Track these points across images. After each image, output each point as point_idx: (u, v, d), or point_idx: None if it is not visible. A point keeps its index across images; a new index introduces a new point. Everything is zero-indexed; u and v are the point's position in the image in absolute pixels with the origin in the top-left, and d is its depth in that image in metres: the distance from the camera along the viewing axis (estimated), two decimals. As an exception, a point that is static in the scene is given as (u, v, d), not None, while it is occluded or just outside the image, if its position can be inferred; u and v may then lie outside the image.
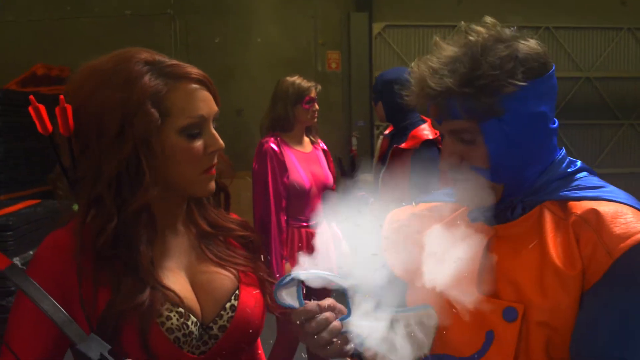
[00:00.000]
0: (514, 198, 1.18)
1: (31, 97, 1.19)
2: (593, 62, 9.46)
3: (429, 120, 3.23)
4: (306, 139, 3.53)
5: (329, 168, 3.54)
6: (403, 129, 3.18)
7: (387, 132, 3.44)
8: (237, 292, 1.28)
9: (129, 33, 8.14)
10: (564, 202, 1.15)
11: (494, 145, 1.13)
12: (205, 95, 1.21)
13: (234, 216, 1.41)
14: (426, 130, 3.12)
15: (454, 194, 1.25)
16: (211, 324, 1.23)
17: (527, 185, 1.18)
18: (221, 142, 1.21)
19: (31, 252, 3.51)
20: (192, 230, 1.30)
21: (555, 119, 1.20)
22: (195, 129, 1.18)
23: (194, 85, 1.19)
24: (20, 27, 8.51)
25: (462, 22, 1.21)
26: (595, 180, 1.19)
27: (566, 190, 1.16)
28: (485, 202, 1.19)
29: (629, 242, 1.03)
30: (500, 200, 1.20)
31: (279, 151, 3.33)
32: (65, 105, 1.14)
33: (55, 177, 1.22)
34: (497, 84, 1.10)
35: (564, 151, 1.24)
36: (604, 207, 1.10)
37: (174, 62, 1.20)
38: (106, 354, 0.98)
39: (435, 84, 1.12)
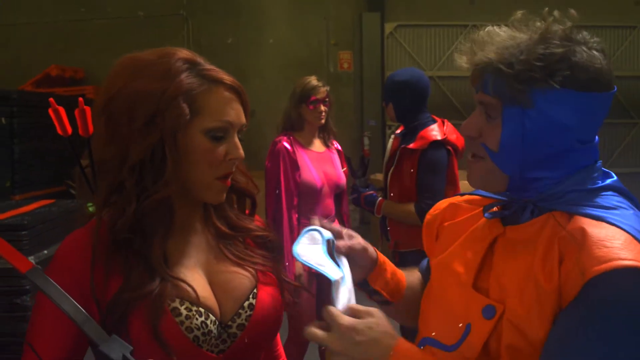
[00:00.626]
0: (526, 199, 1.18)
1: (51, 99, 1.21)
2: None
3: (439, 120, 3.23)
4: (319, 139, 3.54)
5: (342, 168, 3.54)
6: (413, 129, 3.19)
7: (398, 131, 3.44)
8: (255, 290, 1.28)
9: (141, 34, 8.19)
10: (571, 215, 1.10)
11: (508, 131, 1.12)
12: (236, 104, 1.23)
13: (256, 218, 1.43)
14: (435, 131, 3.13)
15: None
16: (230, 323, 1.24)
17: (533, 188, 1.16)
18: (242, 152, 1.23)
19: (46, 252, 3.54)
20: (211, 230, 1.32)
21: (595, 136, 1.16)
22: (219, 133, 1.20)
23: (227, 93, 1.22)
24: (34, 29, 8.59)
25: (546, 10, 1.16)
26: (615, 201, 1.13)
27: (578, 205, 1.11)
28: (488, 185, 1.20)
29: (605, 266, 0.97)
30: (510, 199, 1.22)
31: (291, 150, 3.35)
32: (85, 107, 1.16)
33: (75, 178, 1.25)
34: (534, 75, 1.08)
35: (600, 164, 1.18)
36: (598, 229, 1.04)
37: (213, 67, 1.23)
38: (128, 355, 0.98)
39: (480, 52, 1.13)
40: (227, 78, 1.22)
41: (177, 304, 1.16)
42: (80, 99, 1.18)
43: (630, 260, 0.98)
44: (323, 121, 3.43)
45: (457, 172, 3.22)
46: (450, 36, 9.22)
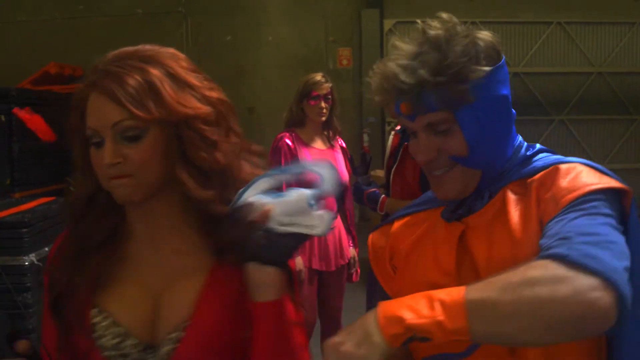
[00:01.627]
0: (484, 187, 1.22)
1: (27, 108, 1.24)
2: (605, 57, 9.43)
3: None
4: (323, 136, 3.53)
5: (346, 166, 3.54)
6: None
7: (397, 128, 3.43)
8: (188, 322, 1.14)
9: (140, 32, 8.19)
10: (524, 182, 1.17)
11: (469, 131, 1.15)
12: (103, 105, 1.08)
13: None
14: None
15: (434, 190, 1.25)
16: (160, 345, 1.13)
17: (500, 171, 1.21)
18: (106, 159, 1.07)
19: (47, 249, 3.54)
20: (172, 245, 1.19)
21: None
22: (96, 140, 1.10)
23: (94, 94, 1.09)
24: (33, 27, 8.59)
25: (418, 21, 1.21)
26: (554, 157, 1.22)
27: (525, 169, 1.20)
28: (467, 188, 1.21)
29: (576, 193, 1.06)
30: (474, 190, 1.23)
31: (293, 146, 3.34)
32: (33, 115, 1.18)
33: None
34: (466, 70, 1.12)
35: (521, 137, 1.27)
36: (561, 166, 1.15)
37: (93, 67, 1.12)
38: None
39: (408, 78, 1.13)
40: (89, 74, 1.11)
41: (98, 318, 1.12)
42: (27, 107, 1.20)
43: (596, 184, 1.08)
44: (324, 118, 3.41)
45: None
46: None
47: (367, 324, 0.97)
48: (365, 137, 8.91)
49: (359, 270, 3.62)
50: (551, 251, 0.95)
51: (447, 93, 1.12)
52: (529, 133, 5.23)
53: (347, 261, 3.51)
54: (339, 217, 3.49)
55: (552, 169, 1.15)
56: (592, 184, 1.08)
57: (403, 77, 1.13)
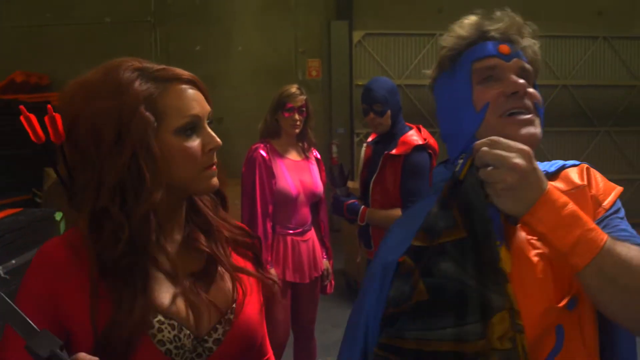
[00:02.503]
0: None
1: (21, 107, 1.18)
2: (570, 70, 9.60)
3: (414, 126, 3.25)
4: (298, 147, 3.53)
5: (320, 177, 3.54)
6: (390, 136, 3.20)
7: (370, 139, 3.45)
8: (234, 305, 1.26)
9: (109, 40, 8.11)
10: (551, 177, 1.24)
11: (538, 91, 1.26)
12: (197, 94, 1.21)
13: (240, 225, 1.40)
14: (415, 136, 3.15)
15: (521, 132, 1.19)
16: (206, 337, 1.20)
17: None
18: (218, 140, 1.22)
19: (14, 261, 3.47)
20: (190, 239, 1.29)
21: None
22: (190, 128, 1.19)
23: (185, 86, 1.20)
24: (-1, 34, 8.45)
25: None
26: (557, 161, 1.32)
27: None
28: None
29: (612, 198, 1.20)
30: None
31: (267, 157, 3.34)
32: (54, 114, 1.14)
33: (51, 187, 1.22)
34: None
35: None
36: (575, 173, 1.25)
37: (163, 66, 1.21)
38: (57, 351, 0.93)
39: (522, 32, 1.30)
40: (180, 72, 1.20)
41: (150, 317, 1.13)
42: (49, 105, 1.17)
43: (615, 188, 1.23)
44: (297, 130, 3.41)
45: None
46: (418, 45, 9.31)
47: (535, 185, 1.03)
48: (334, 149, 8.93)
49: (332, 282, 3.62)
50: None
51: (537, 54, 1.29)
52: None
53: (320, 273, 3.50)
54: (312, 229, 3.49)
55: (586, 170, 1.25)
56: (613, 188, 1.22)
57: (519, 28, 1.29)
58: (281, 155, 3.42)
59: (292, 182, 3.35)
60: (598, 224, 1.09)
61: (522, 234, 1.15)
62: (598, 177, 1.24)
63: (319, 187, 3.49)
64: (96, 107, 1.13)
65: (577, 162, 1.27)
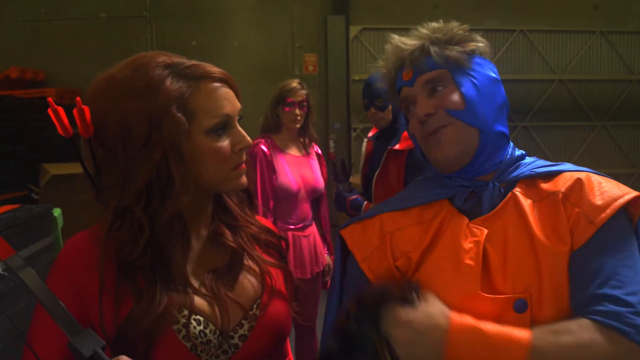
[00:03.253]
0: (485, 177, 1.25)
1: (50, 99, 1.15)
2: (566, 64, 9.60)
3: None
4: (299, 143, 3.52)
5: (321, 173, 3.53)
6: (393, 131, 3.18)
7: (370, 134, 3.43)
8: (259, 301, 1.24)
9: (104, 36, 8.08)
10: (532, 183, 1.21)
11: (467, 88, 1.23)
12: (228, 92, 1.19)
13: (259, 219, 1.38)
14: None
15: (434, 155, 1.27)
16: (231, 333, 1.18)
17: (496, 147, 1.25)
18: (248, 139, 1.19)
19: (10, 258, 3.45)
20: (216, 234, 1.27)
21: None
22: (221, 128, 1.16)
23: (216, 84, 1.17)
24: (-7, 30, 8.41)
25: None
26: (543, 161, 1.28)
27: (530, 169, 1.24)
28: (464, 145, 1.23)
29: (609, 211, 1.11)
30: (474, 171, 1.26)
31: (268, 153, 3.32)
32: (83, 106, 1.12)
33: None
34: (465, 38, 1.28)
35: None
36: (580, 177, 1.19)
37: (193, 62, 1.18)
38: (99, 351, 0.93)
39: (411, 40, 1.28)
40: (211, 70, 1.17)
41: (174, 311, 1.12)
42: (78, 97, 1.14)
43: (621, 197, 1.13)
44: (298, 125, 3.39)
45: None
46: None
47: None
48: (331, 144, 8.86)
49: (334, 278, 3.61)
50: (614, 322, 1.01)
51: (445, 52, 1.25)
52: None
53: (322, 268, 3.49)
54: (313, 224, 3.48)
55: (576, 181, 1.18)
56: (617, 197, 1.13)
57: (406, 40, 1.28)
58: (282, 150, 3.41)
59: (292, 177, 3.34)
60: (585, 245, 1.10)
61: (465, 221, 1.20)
62: (597, 190, 1.16)
63: (320, 182, 3.48)
64: (125, 107, 1.10)
65: (583, 169, 1.23)
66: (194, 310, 1.14)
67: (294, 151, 3.46)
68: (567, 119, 9.51)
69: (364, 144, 3.45)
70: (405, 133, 3.12)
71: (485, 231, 1.17)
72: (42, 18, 8.47)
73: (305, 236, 3.40)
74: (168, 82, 1.11)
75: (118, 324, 1.07)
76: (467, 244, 1.16)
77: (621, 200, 1.12)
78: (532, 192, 1.20)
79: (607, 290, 1.04)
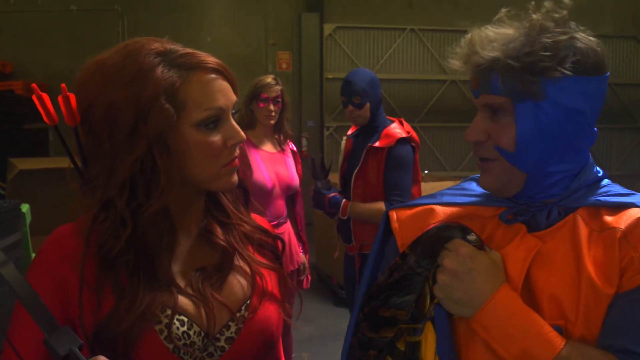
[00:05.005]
0: (547, 201, 1.15)
1: (34, 85, 1.11)
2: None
3: (395, 120, 3.23)
4: (274, 139, 3.49)
5: (296, 170, 3.51)
6: (372, 129, 3.18)
7: (350, 132, 3.43)
8: (248, 302, 1.18)
9: (75, 29, 7.96)
10: (596, 211, 1.11)
11: (524, 128, 1.09)
12: (223, 84, 1.12)
13: (255, 218, 1.32)
14: (398, 129, 3.13)
15: (480, 178, 1.19)
16: (218, 335, 1.13)
17: (550, 185, 1.14)
18: (242, 134, 1.13)
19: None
20: (206, 231, 1.21)
21: (595, 128, 1.16)
22: (213, 122, 1.10)
23: (211, 75, 1.10)
24: (-40, 20, 8.23)
25: (532, 2, 1.15)
26: (620, 189, 1.17)
27: (598, 197, 1.13)
28: (506, 187, 1.14)
29: None
30: (528, 199, 1.16)
31: (242, 148, 3.30)
32: (68, 94, 1.08)
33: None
34: (544, 65, 1.05)
35: (591, 157, 1.20)
36: None
37: (188, 50, 1.11)
38: (75, 350, 0.90)
39: (485, 51, 1.08)
40: (205, 59, 1.11)
41: (157, 311, 1.07)
42: (63, 84, 1.10)
43: None
44: (272, 121, 3.36)
45: (419, 169, 3.24)
46: (388, 39, 9.33)
47: (484, 286, 1.04)
48: (304, 142, 8.91)
49: (309, 277, 3.59)
50: None
51: (514, 79, 1.06)
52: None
53: (297, 267, 3.47)
54: (288, 222, 3.45)
55: (639, 221, 1.08)
56: None
57: (480, 49, 1.09)
58: (256, 146, 3.38)
59: (267, 174, 3.31)
60: (632, 291, 1.02)
61: (522, 229, 1.14)
62: None
63: (295, 179, 3.45)
64: (113, 94, 1.05)
65: None
66: (177, 310, 1.09)
67: (268, 147, 3.43)
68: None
69: (343, 142, 3.44)
70: (386, 131, 3.12)
71: (540, 244, 1.10)
72: (11, 9, 8.31)
73: (279, 234, 3.37)
74: (158, 70, 1.06)
75: (98, 321, 1.04)
76: (517, 253, 1.11)
77: None
78: (593, 221, 1.10)
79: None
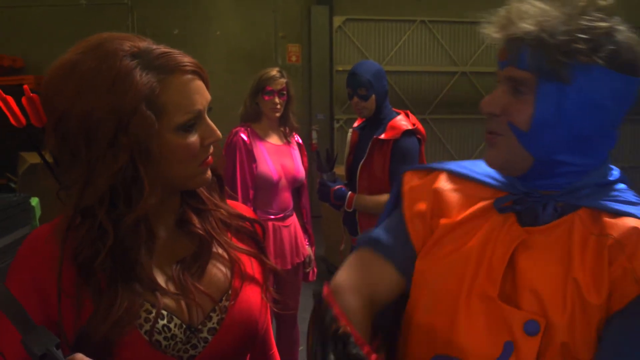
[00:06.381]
0: (547, 193, 1.11)
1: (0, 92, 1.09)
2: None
3: (401, 112, 3.22)
4: (279, 132, 3.49)
5: (302, 162, 3.50)
6: (378, 121, 3.17)
7: (356, 124, 3.41)
8: (229, 292, 1.18)
9: (83, 23, 7.96)
10: (597, 214, 1.06)
11: (543, 109, 1.04)
12: (199, 85, 1.10)
13: (231, 205, 1.31)
14: (403, 121, 3.12)
15: (486, 145, 1.15)
16: (200, 326, 1.12)
17: (556, 174, 1.10)
18: (218, 132, 1.13)
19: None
20: (183, 221, 1.20)
21: (616, 130, 1.11)
22: (191, 124, 1.09)
23: (188, 76, 1.08)
24: (-30, 16, 8.26)
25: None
26: (631, 196, 1.10)
27: (604, 200, 1.07)
28: (510, 166, 1.11)
29: None
30: (525, 193, 1.13)
31: (248, 141, 3.29)
32: (32, 95, 1.07)
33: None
34: (577, 47, 1.00)
35: (607, 157, 1.14)
36: None
37: (162, 49, 1.08)
38: (52, 349, 0.89)
39: (519, 23, 1.03)
40: (182, 61, 1.08)
41: (138, 312, 1.06)
42: (25, 86, 1.08)
43: None
44: (277, 114, 3.36)
45: (425, 161, 3.22)
46: (398, 31, 9.28)
47: None
48: (314, 134, 8.89)
49: (315, 270, 3.59)
50: None
51: (543, 57, 1.01)
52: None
53: (302, 259, 3.47)
54: (294, 215, 3.45)
55: (635, 231, 1.01)
56: None
57: (517, 19, 1.04)
58: (262, 139, 3.37)
59: (273, 166, 3.31)
60: (626, 309, 0.97)
61: (511, 218, 1.11)
62: None
63: (301, 172, 3.45)
64: (89, 103, 1.01)
65: None
66: (156, 303, 1.08)
67: (274, 140, 3.43)
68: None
69: (349, 134, 3.43)
70: (392, 123, 3.11)
71: (524, 233, 1.08)
72: (20, 4, 8.32)
73: (285, 226, 3.37)
74: (137, 75, 1.02)
75: (78, 327, 1.03)
76: (501, 238, 1.09)
77: None
78: (593, 224, 1.06)
79: None
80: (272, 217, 3.33)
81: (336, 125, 9.17)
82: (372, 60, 3.51)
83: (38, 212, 3.57)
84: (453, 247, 1.14)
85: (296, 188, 3.49)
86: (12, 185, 5.74)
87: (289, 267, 3.37)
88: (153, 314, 1.07)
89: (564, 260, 1.03)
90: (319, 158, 3.27)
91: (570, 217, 1.07)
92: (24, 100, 1.06)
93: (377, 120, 3.16)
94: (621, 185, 1.12)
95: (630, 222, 1.03)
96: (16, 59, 8.06)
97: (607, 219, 1.04)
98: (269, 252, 3.28)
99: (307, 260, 3.52)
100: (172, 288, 1.12)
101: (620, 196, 1.09)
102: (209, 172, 1.16)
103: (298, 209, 3.53)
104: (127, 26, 8.58)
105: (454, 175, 1.23)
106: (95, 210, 1.04)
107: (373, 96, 3.12)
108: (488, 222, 1.13)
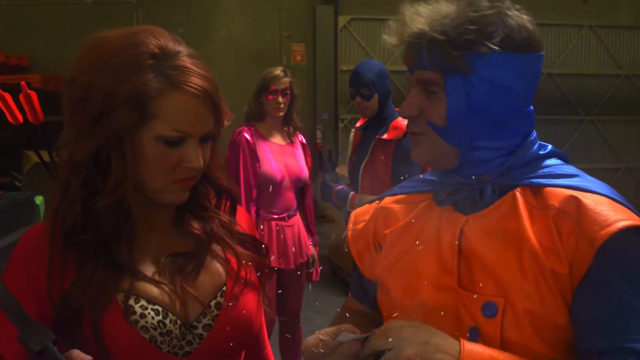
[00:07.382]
0: (482, 178, 1.14)
1: None
2: (555, 58, 9.60)
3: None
4: (283, 131, 3.48)
5: (306, 162, 3.50)
6: (381, 121, 3.16)
7: (358, 124, 3.41)
8: (224, 288, 1.20)
9: (89, 21, 7.95)
10: (535, 189, 1.10)
11: (454, 103, 1.09)
12: (200, 111, 1.10)
13: (244, 218, 1.34)
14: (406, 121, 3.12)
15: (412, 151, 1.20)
16: (194, 323, 1.15)
17: (482, 161, 1.13)
18: (200, 162, 1.12)
19: (-5, 245, 3.39)
20: (180, 222, 1.23)
21: (531, 106, 1.15)
22: (175, 142, 1.09)
23: (190, 99, 1.08)
24: (-24, 14, 8.27)
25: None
26: (568, 169, 1.14)
27: (538, 177, 1.12)
28: (438, 161, 1.16)
29: (610, 229, 0.99)
30: (461, 183, 1.17)
31: (252, 141, 3.29)
32: (29, 92, 1.08)
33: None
34: (469, 38, 1.04)
35: (535, 134, 1.18)
36: (583, 198, 1.05)
37: (182, 63, 1.09)
38: (50, 345, 0.90)
39: (412, 26, 1.08)
40: (193, 82, 1.08)
41: (131, 301, 1.09)
42: (23, 82, 1.10)
43: (626, 220, 1.00)
44: (281, 113, 3.36)
45: None
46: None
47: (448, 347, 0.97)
48: (319, 134, 8.89)
49: (319, 270, 3.59)
50: None
51: (441, 54, 1.06)
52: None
53: (306, 259, 3.47)
54: (298, 214, 3.44)
55: (574, 200, 1.05)
56: (620, 220, 1.00)
57: (410, 23, 1.09)
58: (265, 138, 3.37)
59: (276, 166, 3.31)
60: (587, 272, 1.00)
61: (450, 210, 1.16)
62: (595, 212, 1.02)
63: (304, 171, 3.45)
64: (95, 78, 1.06)
65: (593, 189, 1.08)
66: (151, 299, 1.11)
67: (277, 139, 3.42)
68: (555, 112, 9.52)
69: (352, 134, 3.43)
70: (394, 123, 3.10)
71: (464, 218, 1.13)
72: (26, 2, 8.34)
73: (289, 226, 3.37)
74: (144, 73, 1.06)
75: (62, 293, 1.07)
76: (447, 232, 1.14)
77: (623, 224, 0.99)
78: (533, 198, 1.10)
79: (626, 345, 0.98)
80: (276, 216, 3.33)
81: (340, 125, 9.16)
82: (375, 60, 3.50)
83: (42, 210, 3.57)
84: (404, 249, 1.19)
85: (300, 188, 3.49)
86: (17, 183, 5.75)
87: (292, 266, 3.38)
88: (148, 310, 1.10)
89: (515, 234, 1.06)
90: (321, 158, 3.27)
91: (511, 195, 1.11)
92: (21, 97, 1.08)
93: (380, 120, 3.16)
94: (553, 160, 1.16)
95: (565, 192, 1.07)
96: (22, 58, 8.07)
97: (545, 192, 1.09)
98: (272, 251, 3.29)
99: (311, 260, 3.52)
100: (167, 283, 1.15)
101: (553, 171, 1.13)
102: (184, 195, 1.16)
103: (302, 208, 3.52)
104: (132, 25, 8.57)
105: (397, 194, 1.31)
106: (70, 180, 1.09)
107: (375, 96, 3.11)
108: (431, 218, 1.18)
